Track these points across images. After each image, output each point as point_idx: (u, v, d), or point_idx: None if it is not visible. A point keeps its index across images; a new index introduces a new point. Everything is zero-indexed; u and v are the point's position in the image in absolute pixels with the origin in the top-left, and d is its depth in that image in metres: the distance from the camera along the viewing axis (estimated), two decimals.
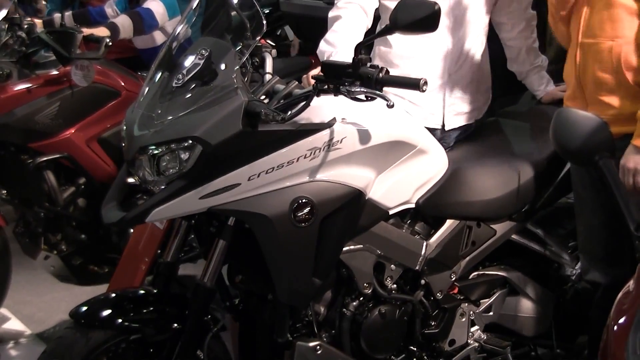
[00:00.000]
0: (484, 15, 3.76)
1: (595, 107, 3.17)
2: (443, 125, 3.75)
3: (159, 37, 4.54)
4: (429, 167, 3.27)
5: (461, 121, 3.81)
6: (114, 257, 4.08)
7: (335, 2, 3.66)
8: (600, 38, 3.18)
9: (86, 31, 4.33)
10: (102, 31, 4.37)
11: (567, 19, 3.31)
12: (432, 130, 3.44)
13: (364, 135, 3.03)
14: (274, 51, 3.19)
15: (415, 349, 3.37)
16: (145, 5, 4.44)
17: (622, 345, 2.31)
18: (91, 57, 4.30)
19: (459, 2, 3.64)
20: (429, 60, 3.67)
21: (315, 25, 3.71)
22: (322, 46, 3.54)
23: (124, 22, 4.42)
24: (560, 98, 3.50)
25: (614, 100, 3.18)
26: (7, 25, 4.24)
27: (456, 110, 3.77)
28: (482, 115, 3.92)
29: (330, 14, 3.64)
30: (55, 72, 4.27)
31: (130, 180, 2.97)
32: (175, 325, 2.93)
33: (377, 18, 3.72)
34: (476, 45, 3.77)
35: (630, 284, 2.52)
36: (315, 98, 2.89)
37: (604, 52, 3.17)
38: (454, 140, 3.75)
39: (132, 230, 3.86)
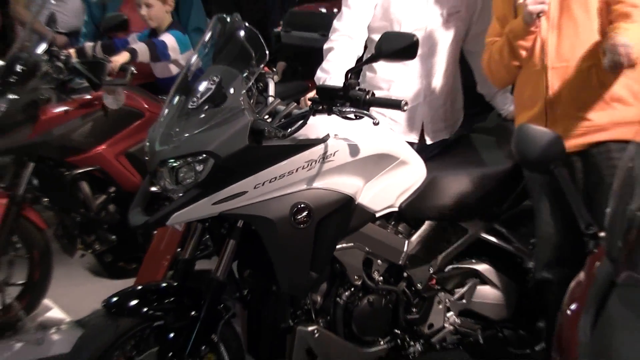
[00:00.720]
0: (454, 45, 3.76)
1: (568, 123, 3.16)
2: (421, 140, 3.76)
3: (174, 69, 4.56)
4: (410, 176, 3.28)
5: (438, 136, 3.81)
6: (139, 255, 4.07)
7: (330, 35, 3.68)
8: (573, 61, 3.14)
9: (113, 60, 4.35)
10: (123, 54, 4.38)
11: (527, 49, 3.28)
12: (411, 144, 3.45)
13: (354, 149, 3.04)
14: (275, 77, 3.19)
15: (399, 332, 3.36)
16: (161, 37, 4.47)
17: (574, 328, 2.31)
18: (119, 84, 4.31)
19: (431, 34, 3.64)
20: (407, 83, 3.68)
21: (311, 54, 3.72)
22: (318, 73, 3.56)
23: (140, 47, 4.44)
24: None
25: (591, 114, 3.15)
26: (47, 57, 4.25)
27: (433, 127, 3.78)
28: (456, 130, 3.92)
29: (325, 45, 3.66)
30: (88, 97, 4.27)
31: (153, 189, 2.98)
32: (193, 313, 2.92)
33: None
34: (448, 70, 3.77)
35: (581, 275, 2.53)
36: (311, 117, 2.92)
37: (581, 72, 3.14)
38: (432, 152, 3.72)
39: (155, 232, 3.85)
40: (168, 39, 4.45)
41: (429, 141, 3.78)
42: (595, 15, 3.14)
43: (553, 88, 3.19)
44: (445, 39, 3.71)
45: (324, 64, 3.59)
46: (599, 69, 3.12)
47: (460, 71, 3.90)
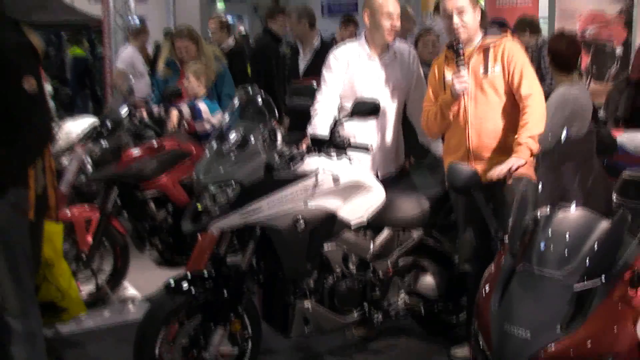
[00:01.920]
0: (398, 109, 3.69)
1: (481, 161, 3.19)
2: (377, 174, 3.69)
3: (207, 126, 4.56)
4: (374, 198, 3.25)
5: (387, 170, 3.71)
6: (188, 252, 4.04)
7: (314, 103, 3.64)
8: (485, 120, 3.20)
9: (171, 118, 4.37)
10: (174, 112, 4.39)
11: (454, 113, 3.28)
12: None
13: (336, 179, 3.04)
14: (282, 129, 3.19)
15: (367, 305, 3.33)
16: (197, 103, 4.47)
17: (487, 303, 2.31)
18: (175, 133, 4.35)
19: (382, 101, 3.49)
20: (365, 134, 3.57)
21: (309, 114, 3.71)
22: (308, 129, 3.53)
23: (185, 109, 4.44)
24: None
25: (495, 156, 3.18)
26: (127, 116, 4.26)
27: (384, 165, 3.69)
28: (399, 167, 3.83)
29: (311, 110, 3.64)
30: (155, 143, 4.27)
31: (198, 206, 2.95)
32: (225, 291, 2.91)
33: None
34: (394, 126, 3.71)
35: (492, 266, 2.52)
36: (306, 157, 2.93)
37: (489, 128, 3.19)
38: (384, 182, 3.63)
39: (199, 236, 3.81)
40: (202, 105, 4.48)
41: (381, 176, 3.67)
42: (501, 91, 3.20)
43: (472, 139, 3.23)
44: (391, 104, 3.67)
45: (311, 121, 3.58)
46: (502, 126, 3.19)
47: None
